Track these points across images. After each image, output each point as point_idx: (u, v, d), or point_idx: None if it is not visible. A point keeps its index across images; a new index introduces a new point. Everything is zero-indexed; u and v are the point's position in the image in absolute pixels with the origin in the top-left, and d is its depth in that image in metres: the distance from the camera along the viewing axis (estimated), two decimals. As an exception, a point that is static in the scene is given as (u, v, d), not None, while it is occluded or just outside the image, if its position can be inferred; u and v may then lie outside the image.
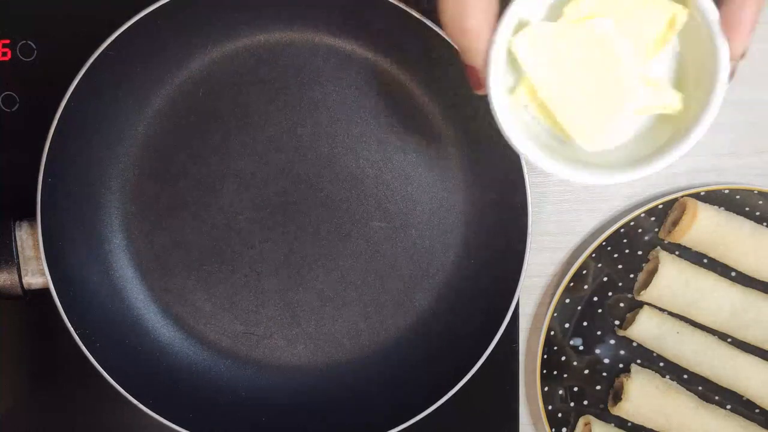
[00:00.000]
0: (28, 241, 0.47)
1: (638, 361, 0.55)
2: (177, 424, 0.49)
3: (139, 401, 0.48)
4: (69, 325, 0.47)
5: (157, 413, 0.48)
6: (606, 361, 0.55)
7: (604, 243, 0.53)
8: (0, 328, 0.54)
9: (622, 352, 0.55)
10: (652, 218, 0.53)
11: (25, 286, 0.47)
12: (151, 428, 0.52)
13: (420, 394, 0.50)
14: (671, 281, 0.52)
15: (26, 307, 0.53)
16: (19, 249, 0.47)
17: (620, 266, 0.54)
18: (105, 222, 0.52)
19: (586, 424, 0.54)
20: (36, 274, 0.47)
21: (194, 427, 0.49)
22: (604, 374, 0.55)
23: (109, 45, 0.45)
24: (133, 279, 0.52)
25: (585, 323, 0.54)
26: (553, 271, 0.56)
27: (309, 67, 0.51)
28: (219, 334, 0.53)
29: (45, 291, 0.47)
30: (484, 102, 0.35)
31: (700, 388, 0.55)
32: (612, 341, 0.55)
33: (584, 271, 0.53)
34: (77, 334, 0.47)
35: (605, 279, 0.54)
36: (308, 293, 0.54)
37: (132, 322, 0.52)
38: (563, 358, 0.54)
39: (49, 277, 0.46)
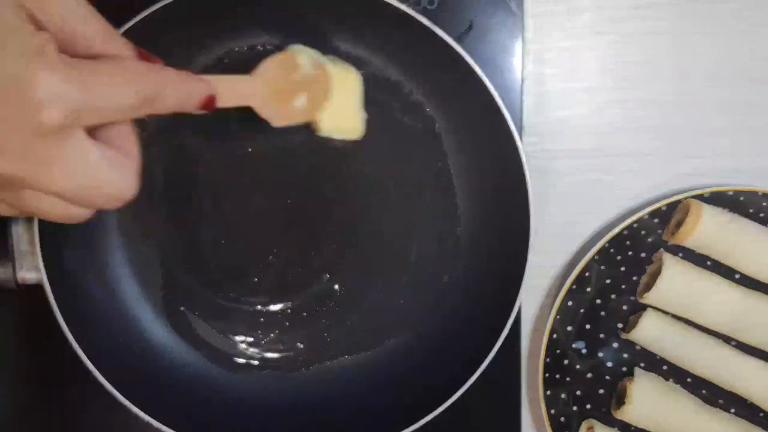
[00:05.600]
0: (24, 236, 0.47)
1: (642, 365, 0.54)
2: (168, 426, 0.49)
3: (130, 402, 0.48)
4: (61, 320, 0.47)
5: (148, 414, 0.48)
6: (609, 364, 0.54)
7: (606, 245, 0.53)
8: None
9: (625, 356, 0.54)
10: (656, 220, 0.53)
11: (19, 280, 0.48)
12: (142, 428, 0.52)
13: (423, 399, 0.50)
14: (675, 283, 0.51)
15: (19, 304, 0.53)
16: (15, 243, 0.47)
17: (623, 268, 0.53)
18: (102, 220, 0.51)
19: (589, 428, 0.54)
20: (31, 270, 0.47)
21: (185, 429, 0.49)
22: (607, 378, 0.54)
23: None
24: (128, 278, 0.52)
25: (588, 326, 0.54)
26: (556, 274, 0.56)
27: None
28: (213, 336, 0.53)
29: (38, 287, 0.47)
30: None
31: (703, 391, 0.54)
32: (615, 344, 0.54)
33: (587, 274, 0.53)
34: (69, 331, 0.47)
35: (608, 281, 0.54)
36: (306, 296, 0.53)
37: (126, 322, 0.52)
38: (566, 362, 0.54)
39: (43, 273, 0.46)
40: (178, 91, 0.34)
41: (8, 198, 0.30)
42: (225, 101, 0.38)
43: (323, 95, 0.46)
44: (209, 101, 0.36)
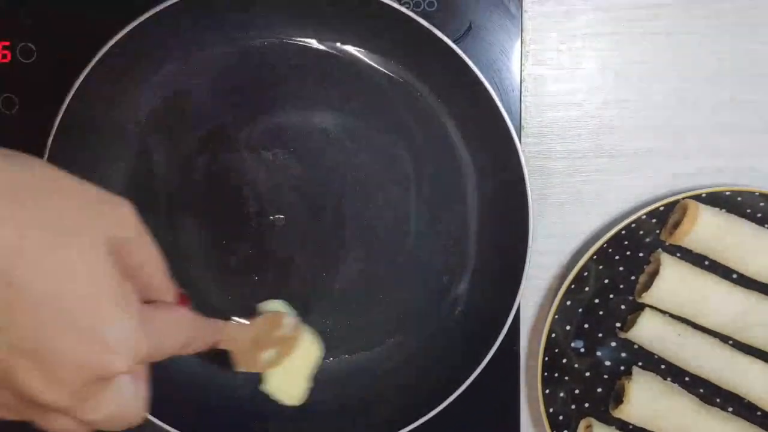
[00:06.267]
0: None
1: (639, 364, 0.55)
2: (168, 424, 0.49)
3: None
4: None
5: (149, 413, 0.48)
6: (607, 363, 0.55)
7: (605, 245, 0.53)
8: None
9: (623, 355, 0.55)
10: (654, 220, 0.53)
11: None
12: (144, 427, 0.52)
13: (422, 398, 0.50)
14: (672, 283, 0.52)
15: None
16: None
17: (621, 268, 0.54)
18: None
19: (588, 426, 0.54)
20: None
21: (186, 428, 0.49)
22: (606, 376, 0.55)
23: (111, 47, 0.45)
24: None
25: (586, 325, 0.54)
26: (554, 274, 0.56)
27: (316, 71, 0.51)
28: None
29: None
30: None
31: (701, 390, 0.55)
32: (613, 343, 0.55)
33: (585, 273, 0.53)
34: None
35: (606, 281, 0.54)
36: (307, 296, 0.53)
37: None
38: (564, 361, 0.54)
39: None
40: (204, 338, 0.37)
41: (31, 414, 0.30)
42: (223, 344, 0.41)
43: (286, 355, 0.49)
44: (216, 344, 0.40)
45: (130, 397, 0.31)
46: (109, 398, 0.30)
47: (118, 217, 0.31)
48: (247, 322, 0.48)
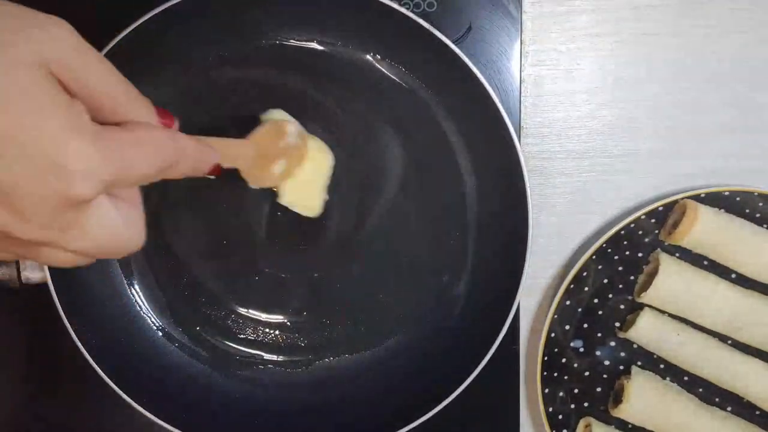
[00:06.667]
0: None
1: (639, 363, 0.55)
2: (169, 423, 0.49)
3: (133, 400, 0.48)
4: (65, 319, 0.47)
5: (150, 412, 0.48)
6: (606, 362, 0.55)
7: (604, 245, 0.53)
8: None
9: (622, 354, 0.55)
10: (653, 220, 0.53)
11: (24, 280, 0.48)
12: (144, 427, 0.52)
13: (422, 397, 0.50)
14: (671, 283, 0.52)
15: (23, 303, 0.53)
16: (19, 243, 0.48)
17: (621, 268, 0.54)
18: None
19: (587, 425, 0.54)
20: (34, 269, 0.48)
21: (186, 427, 0.49)
22: (605, 376, 0.55)
23: (111, 48, 0.45)
24: (132, 278, 0.53)
25: (585, 325, 0.54)
26: (554, 274, 0.56)
27: (316, 72, 0.51)
28: (215, 334, 0.54)
29: (42, 286, 0.47)
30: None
31: (700, 389, 0.55)
32: (612, 343, 0.55)
33: (585, 273, 0.53)
34: (73, 330, 0.48)
35: (606, 281, 0.54)
36: (307, 297, 0.54)
37: (129, 321, 0.52)
38: (564, 360, 0.54)
39: (47, 272, 0.47)
40: (193, 159, 0.34)
41: (21, 251, 0.30)
42: (223, 163, 0.39)
43: (297, 165, 0.47)
44: (216, 167, 0.37)
45: (117, 223, 0.30)
46: (91, 225, 0.29)
47: (51, 36, 0.28)
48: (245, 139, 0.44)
